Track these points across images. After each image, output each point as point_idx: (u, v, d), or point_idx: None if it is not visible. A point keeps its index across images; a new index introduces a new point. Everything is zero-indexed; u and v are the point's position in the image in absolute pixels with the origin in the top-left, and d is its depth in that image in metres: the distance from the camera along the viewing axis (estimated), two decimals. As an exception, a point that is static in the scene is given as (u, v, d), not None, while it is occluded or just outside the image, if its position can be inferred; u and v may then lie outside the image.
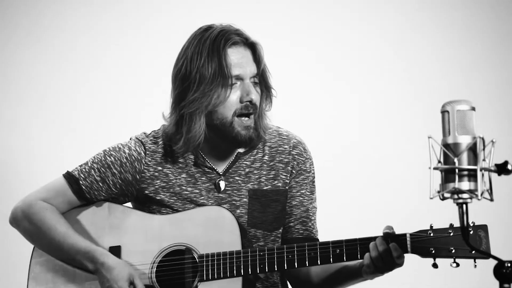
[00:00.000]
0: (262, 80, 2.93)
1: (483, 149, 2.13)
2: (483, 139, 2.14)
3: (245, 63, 2.87)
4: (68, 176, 2.96)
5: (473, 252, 2.59)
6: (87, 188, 2.94)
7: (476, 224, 2.62)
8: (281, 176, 2.98)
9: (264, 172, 2.98)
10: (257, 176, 2.97)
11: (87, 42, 4.61)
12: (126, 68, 4.59)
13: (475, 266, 2.59)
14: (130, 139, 3.02)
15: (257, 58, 2.90)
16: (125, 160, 2.95)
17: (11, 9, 4.62)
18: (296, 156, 3.00)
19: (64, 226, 2.90)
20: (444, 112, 2.17)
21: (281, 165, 2.98)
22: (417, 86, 4.53)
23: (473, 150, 2.13)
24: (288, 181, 2.98)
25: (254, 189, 2.96)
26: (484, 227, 2.62)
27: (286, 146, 3.00)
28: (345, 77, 4.56)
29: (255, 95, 2.87)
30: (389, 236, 2.70)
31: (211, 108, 2.85)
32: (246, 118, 2.88)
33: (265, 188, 2.96)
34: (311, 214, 3.01)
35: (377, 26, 4.56)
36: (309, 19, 4.58)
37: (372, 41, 4.56)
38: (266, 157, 2.99)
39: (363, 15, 4.57)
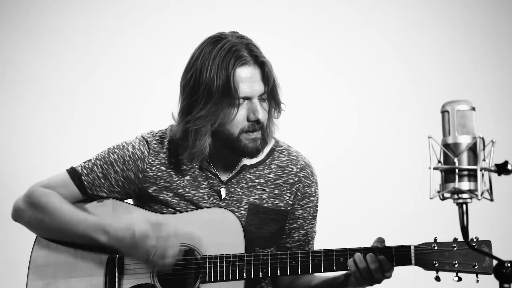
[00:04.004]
0: (271, 96, 2.89)
1: (483, 149, 2.13)
2: (483, 139, 2.14)
3: (253, 83, 2.84)
4: (72, 171, 2.97)
5: (476, 267, 2.60)
6: (89, 184, 2.94)
7: (480, 239, 2.62)
8: (284, 196, 2.97)
9: (267, 190, 2.97)
10: (259, 192, 2.96)
11: (87, 42, 4.61)
12: (126, 68, 4.59)
13: (477, 281, 2.60)
14: (136, 137, 3.02)
15: (265, 77, 2.86)
16: (128, 158, 2.95)
17: (11, 9, 4.62)
18: (302, 179, 2.99)
19: (70, 206, 2.90)
20: (444, 112, 2.17)
21: (285, 185, 2.98)
22: (417, 86, 4.53)
23: (473, 150, 2.13)
24: (291, 202, 2.98)
25: (255, 204, 2.95)
26: (487, 243, 2.62)
27: (293, 167, 2.99)
28: (345, 77, 4.56)
29: (262, 114, 2.85)
30: (378, 250, 2.70)
31: (217, 127, 2.84)
32: (253, 132, 2.87)
33: (266, 205, 2.95)
34: (309, 238, 3.01)
35: (377, 26, 4.56)
36: (309, 19, 4.58)
37: (372, 41, 4.56)
38: (271, 175, 2.98)
39: (363, 15, 4.57)
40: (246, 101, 2.85)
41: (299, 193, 2.98)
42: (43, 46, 4.61)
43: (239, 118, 2.84)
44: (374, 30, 4.56)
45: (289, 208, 2.97)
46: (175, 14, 4.59)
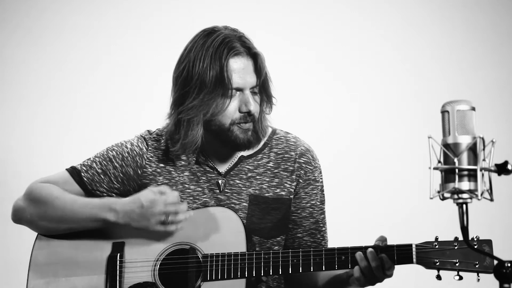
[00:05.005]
0: (263, 90, 2.92)
1: (483, 149, 2.13)
2: (483, 139, 2.14)
3: (246, 74, 2.87)
4: (71, 169, 2.99)
5: (478, 266, 2.60)
6: (89, 180, 2.96)
7: (480, 238, 2.62)
8: (285, 184, 2.97)
9: (267, 179, 2.97)
10: (259, 182, 2.96)
11: (87, 42, 4.61)
12: (126, 67, 4.59)
13: (478, 280, 2.60)
14: (134, 136, 3.04)
15: (258, 69, 2.89)
16: (126, 154, 2.97)
17: (11, 9, 4.62)
18: (303, 165, 2.98)
19: (71, 194, 2.91)
20: (444, 112, 2.17)
21: (285, 173, 2.97)
22: (417, 86, 4.53)
23: (473, 150, 2.13)
24: (292, 189, 2.97)
25: (255, 194, 2.95)
26: (488, 242, 2.62)
27: (292, 153, 2.99)
28: (345, 77, 4.56)
29: (253, 106, 2.87)
30: (380, 248, 2.70)
31: (209, 117, 2.86)
32: (244, 123, 2.89)
33: (266, 195, 2.96)
34: (321, 225, 3.00)
35: (377, 26, 4.56)
36: (309, 19, 4.58)
37: (372, 41, 4.56)
38: (270, 164, 2.98)
39: (363, 15, 4.57)
40: (238, 92, 2.87)
41: (301, 180, 2.98)
42: (43, 46, 4.61)
43: (231, 109, 2.86)
44: (374, 30, 4.56)
45: (291, 196, 2.96)
46: (175, 14, 4.60)
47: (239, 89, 2.87)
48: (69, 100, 4.59)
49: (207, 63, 2.84)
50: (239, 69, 2.86)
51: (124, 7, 4.62)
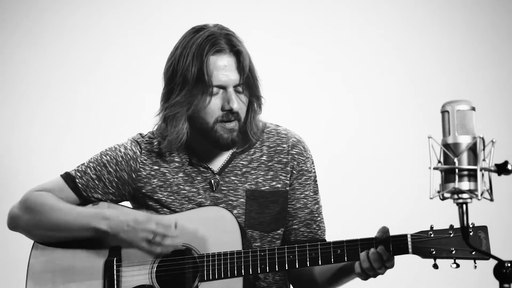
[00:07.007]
0: (249, 89, 2.90)
1: (483, 149, 2.14)
2: (483, 139, 2.14)
3: (228, 72, 2.86)
4: (65, 175, 2.98)
5: (474, 253, 2.60)
6: (83, 186, 2.95)
7: (476, 225, 2.62)
8: (280, 177, 2.97)
9: (262, 173, 2.97)
10: (254, 176, 2.96)
11: (87, 42, 4.61)
12: (126, 68, 4.59)
13: (475, 267, 2.60)
14: (127, 139, 3.03)
15: (240, 66, 2.87)
16: (120, 158, 2.96)
17: (11, 9, 4.62)
18: (296, 156, 2.99)
19: (66, 203, 2.91)
20: (444, 112, 2.17)
21: (279, 165, 2.97)
22: (417, 86, 4.53)
23: (473, 150, 2.13)
24: (288, 181, 2.97)
25: (252, 189, 2.95)
26: (484, 228, 2.62)
27: (284, 145, 2.99)
28: (344, 77, 4.56)
29: (236, 104, 2.85)
30: (376, 241, 2.70)
31: (191, 113, 2.86)
32: (228, 122, 2.88)
33: (263, 189, 2.96)
34: (316, 215, 3.00)
35: (377, 26, 4.56)
36: (309, 19, 4.58)
37: (372, 41, 4.56)
38: (264, 157, 2.98)
39: (363, 15, 4.57)
40: (221, 90, 2.86)
41: (295, 171, 2.97)
42: (43, 46, 4.61)
43: (214, 106, 2.86)
44: (374, 30, 4.56)
45: (287, 188, 2.97)
46: (175, 14, 4.59)
47: (222, 87, 2.86)
48: (69, 100, 4.59)
49: (190, 60, 2.84)
50: (222, 67, 2.85)
51: (124, 7, 4.62)
